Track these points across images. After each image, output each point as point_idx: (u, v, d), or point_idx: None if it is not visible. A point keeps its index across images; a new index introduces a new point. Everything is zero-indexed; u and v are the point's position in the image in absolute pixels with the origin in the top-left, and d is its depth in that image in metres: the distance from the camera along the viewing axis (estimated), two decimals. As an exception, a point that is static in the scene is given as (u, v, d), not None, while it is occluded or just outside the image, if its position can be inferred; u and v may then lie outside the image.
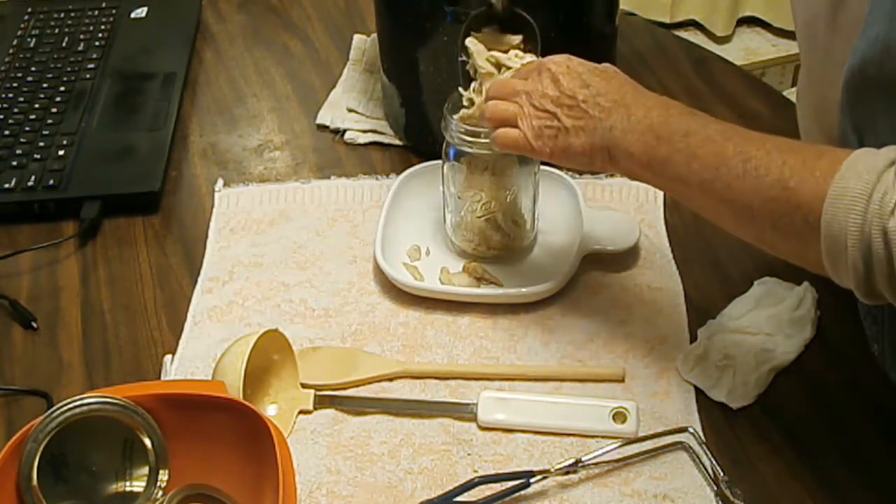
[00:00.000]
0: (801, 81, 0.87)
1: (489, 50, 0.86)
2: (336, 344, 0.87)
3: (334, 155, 1.09)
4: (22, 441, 0.68)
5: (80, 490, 0.71)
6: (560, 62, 0.78)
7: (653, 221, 0.97)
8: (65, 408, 0.69)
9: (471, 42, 0.86)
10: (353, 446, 0.79)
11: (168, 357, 0.86)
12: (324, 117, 1.13)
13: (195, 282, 0.93)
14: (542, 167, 0.92)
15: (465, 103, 0.86)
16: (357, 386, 0.83)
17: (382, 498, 0.75)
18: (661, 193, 0.98)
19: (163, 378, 0.84)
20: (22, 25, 1.28)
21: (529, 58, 0.84)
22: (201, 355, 0.86)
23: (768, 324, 0.84)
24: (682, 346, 0.85)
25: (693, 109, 0.73)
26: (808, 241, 0.62)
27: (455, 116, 0.86)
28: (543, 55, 0.97)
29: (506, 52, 0.85)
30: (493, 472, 0.76)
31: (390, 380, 0.84)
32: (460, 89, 0.87)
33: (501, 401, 0.80)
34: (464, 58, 0.87)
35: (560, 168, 1.00)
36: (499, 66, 0.85)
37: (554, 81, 0.77)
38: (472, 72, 0.87)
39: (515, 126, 0.78)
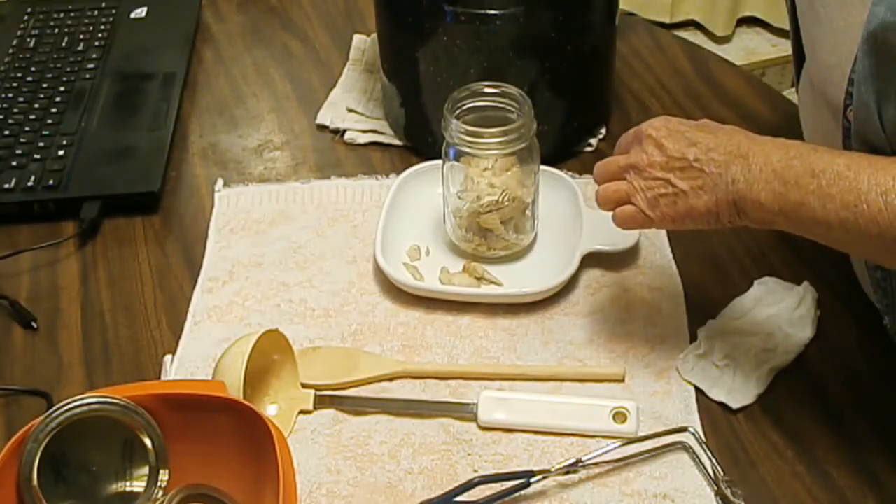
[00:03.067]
0: (806, 78, 0.87)
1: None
2: (336, 344, 0.87)
3: (334, 155, 1.09)
4: (22, 441, 0.68)
5: (80, 490, 0.71)
6: (658, 125, 0.75)
7: (653, 221, 0.97)
8: (65, 408, 0.69)
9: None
10: (353, 446, 0.79)
11: (168, 357, 0.86)
12: (324, 117, 1.13)
13: (195, 282, 0.93)
14: (542, 167, 0.92)
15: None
16: (357, 386, 0.83)
17: (382, 498, 0.75)
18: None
19: (163, 378, 0.84)
20: (22, 25, 1.28)
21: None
22: (201, 355, 0.86)
23: (768, 324, 0.84)
24: (682, 346, 0.85)
25: (812, 145, 0.70)
26: None
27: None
28: (543, 56, 0.97)
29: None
30: (493, 472, 0.76)
31: (390, 380, 0.84)
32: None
33: (501, 401, 0.80)
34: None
35: (561, 168, 1.00)
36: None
37: (658, 147, 0.74)
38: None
39: (630, 203, 0.76)
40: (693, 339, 0.85)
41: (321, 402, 0.81)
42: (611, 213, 0.78)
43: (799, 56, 0.87)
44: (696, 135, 0.74)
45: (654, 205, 0.74)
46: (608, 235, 0.91)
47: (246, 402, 0.72)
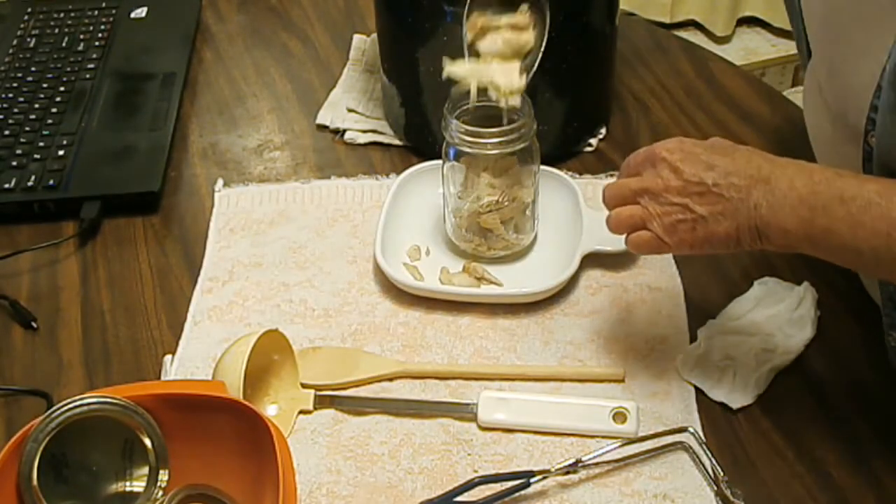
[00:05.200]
0: (812, 79, 0.86)
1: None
2: (336, 344, 0.87)
3: (334, 155, 1.09)
4: (22, 441, 0.68)
5: (80, 490, 0.71)
6: (672, 148, 0.73)
7: (653, 221, 0.97)
8: (65, 408, 0.69)
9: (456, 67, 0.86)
10: (353, 446, 0.79)
11: (168, 357, 0.86)
12: (324, 117, 1.13)
13: (195, 282, 0.93)
14: (542, 167, 0.92)
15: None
16: (357, 386, 0.83)
17: (382, 498, 0.75)
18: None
19: (163, 378, 0.84)
20: (22, 25, 1.28)
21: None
22: (201, 355, 0.86)
23: (768, 324, 0.84)
24: (682, 346, 0.85)
25: (835, 170, 0.68)
26: None
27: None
28: (544, 55, 0.97)
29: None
30: (493, 472, 0.76)
31: (390, 380, 0.84)
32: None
33: (501, 401, 0.80)
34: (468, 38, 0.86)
35: (561, 168, 1.00)
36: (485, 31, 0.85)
37: (674, 171, 0.72)
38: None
39: (645, 228, 0.74)
40: (693, 339, 0.85)
41: (321, 402, 0.81)
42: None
43: (806, 54, 0.87)
44: (712, 157, 0.72)
45: (671, 231, 0.73)
46: (608, 235, 0.90)
47: (246, 402, 0.72)
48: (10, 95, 1.15)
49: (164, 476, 0.72)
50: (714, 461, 0.75)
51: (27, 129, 1.10)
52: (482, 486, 0.73)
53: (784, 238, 0.69)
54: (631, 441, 0.76)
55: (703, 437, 0.77)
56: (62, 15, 1.29)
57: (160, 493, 0.72)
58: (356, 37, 1.24)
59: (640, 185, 0.74)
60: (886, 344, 0.78)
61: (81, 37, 1.25)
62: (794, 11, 0.88)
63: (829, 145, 0.83)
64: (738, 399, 0.80)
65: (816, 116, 0.87)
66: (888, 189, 0.65)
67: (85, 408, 0.69)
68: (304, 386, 0.83)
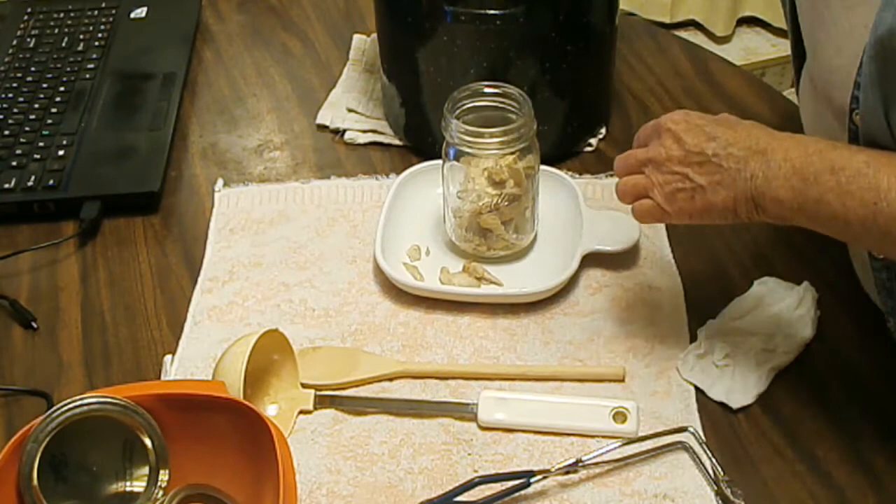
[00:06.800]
0: (806, 75, 0.86)
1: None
2: (336, 344, 0.87)
3: (334, 155, 1.09)
4: (22, 441, 0.68)
5: (80, 490, 0.71)
6: (678, 119, 0.75)
7: (653, 221, 0.97)
8: (65, 408, 0.69)
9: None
10: (353, 446, 0.79)
11: (168, 357, 0.86)
12: (324, 117, 1.13)
13: (195, 282, 0.93)
14: (542, 167, 0.92)
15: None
16: (357, 386, 0.83)
17: (382, 498, 0.75)
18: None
19: (163, 378, 0.84)
20: (22, 25, 1.28)
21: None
22: (201, 355, 0.86)
23: (768, 324, 0.84)
24: (682, 346, 0.85)
25: (831, 142, 0.69)
26: None
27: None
28: (543, 56, 0.97)
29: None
30: (493, 471, 0.76)
31: (390, 380, 0.84)
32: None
33: (501, 401, 0.80)
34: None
35: (561, 168, 1.00)
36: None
37: (677, 140, 0.74)
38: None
39: (648, 197, 0.76)
40: (693, 339, 0.85)
41: (321, 402, 0.81)
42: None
43: (798, 56, 0.87)
44: (715, 129, 0.73)
45: (671, 199, 0.74)
46: (608, 235, 0.91)
47: (246, 402, 0.72)
48: (10, 95, 1.15)
49: (164, 476, 0.72)
50: (714, 461, 0.75)
51: (27, 129, 1.10)
52: (482, 486, 0.73)
53: (778, 208, 0.70)
54: (631, 441, 0.77)
55: (703, 437, 0.77)
56: (62, 15, 1.29)
57: (160, 493, 0.72)
58: (356, 37, 1.24)
59: (645, 154, 0.76)
60: (890, 330, 0.79)
61: (81, 37, 1.25)
62: (787, 7, 0.88)
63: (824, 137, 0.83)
64: (738, 399, 0.80)
65: (808, 112, 0.87)
66: (877, 159, 0.66)
67: (85, 408, 0.69)
68: (304, 386, 0.83)
